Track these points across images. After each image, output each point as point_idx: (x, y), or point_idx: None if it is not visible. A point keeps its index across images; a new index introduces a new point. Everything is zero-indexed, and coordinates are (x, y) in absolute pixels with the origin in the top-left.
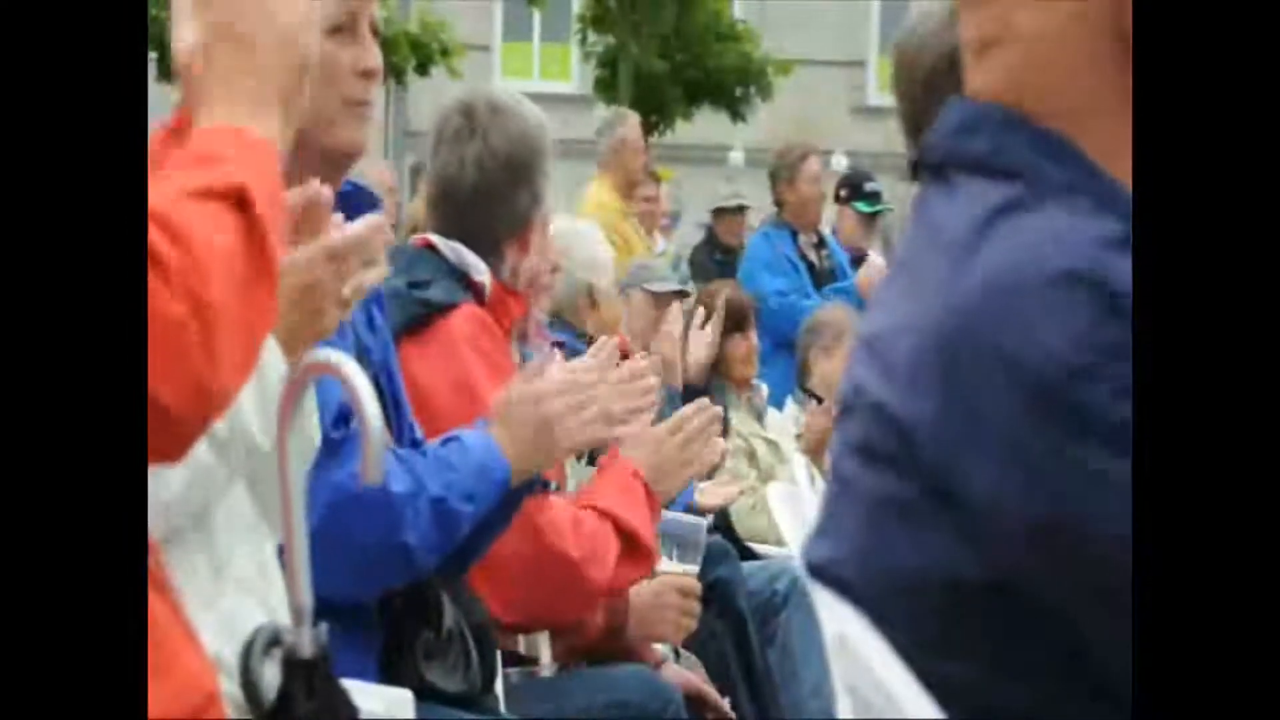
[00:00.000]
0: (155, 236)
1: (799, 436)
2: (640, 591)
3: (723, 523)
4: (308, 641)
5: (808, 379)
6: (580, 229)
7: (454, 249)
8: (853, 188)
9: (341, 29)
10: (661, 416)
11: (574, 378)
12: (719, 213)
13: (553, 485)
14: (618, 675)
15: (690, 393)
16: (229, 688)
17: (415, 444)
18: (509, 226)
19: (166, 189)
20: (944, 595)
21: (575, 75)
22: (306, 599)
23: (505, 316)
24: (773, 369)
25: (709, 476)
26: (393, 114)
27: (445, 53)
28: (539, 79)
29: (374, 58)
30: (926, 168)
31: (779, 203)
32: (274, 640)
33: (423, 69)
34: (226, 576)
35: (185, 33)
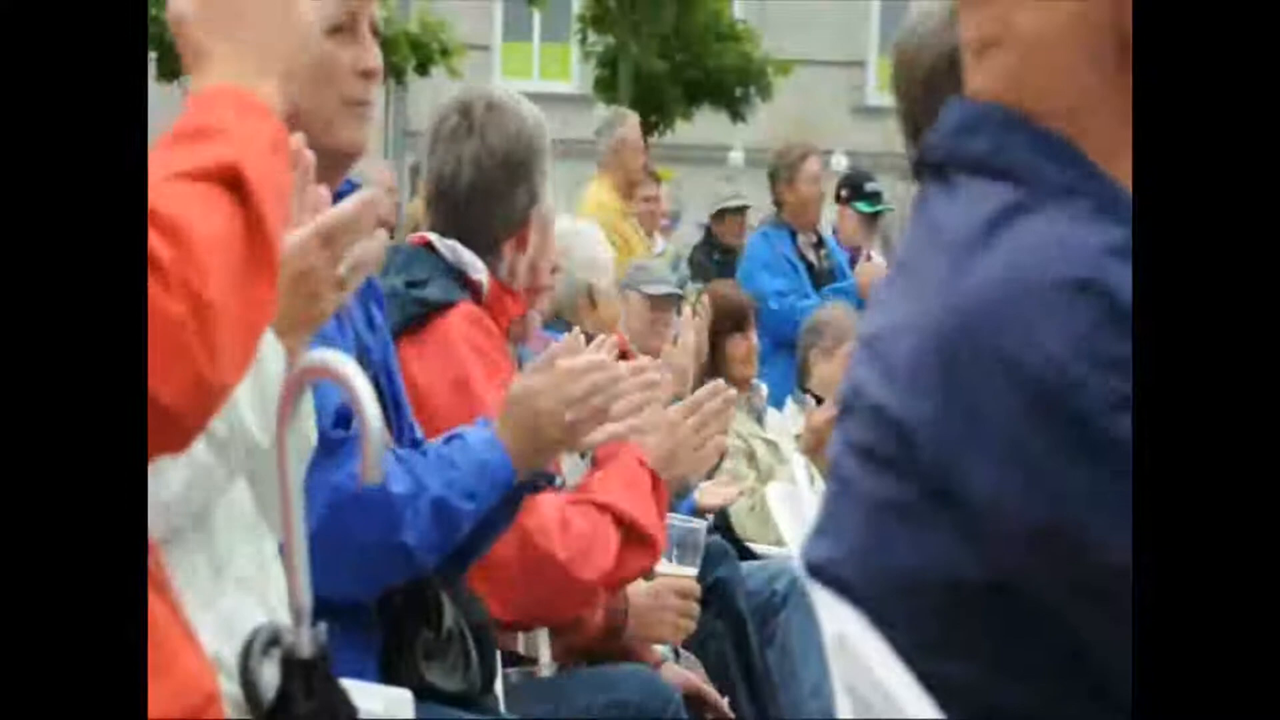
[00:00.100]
0: (151, 235)
1: (798, 437)
2: (639, 592)
3: (722, 523)
4: (307, 641)
5: (807, 379)
6: (580, 229)
7: (451, 248)
8: (853, 188)
9: (341, 29)
10: None
11: (574, 375)
12: (719, 214)
13: (557, 480)
14: (618, 675)
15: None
16: (228, 687)
17: (415, 444)
18: (506, 225)
19: (159, 169)
20: (944, 595)
21: (575, 75)
22: (306, 599)
23: (503, 315)
24: (772, 369)
25: (709, 477)
26: (392, 114)
27: (445, 53)
28: (539, 79)
29: (374, 58)
30: (927, 168)
31: (778, 203)
32: (273, 640)
33: (422, 69)
34: (226, 576)
35: None
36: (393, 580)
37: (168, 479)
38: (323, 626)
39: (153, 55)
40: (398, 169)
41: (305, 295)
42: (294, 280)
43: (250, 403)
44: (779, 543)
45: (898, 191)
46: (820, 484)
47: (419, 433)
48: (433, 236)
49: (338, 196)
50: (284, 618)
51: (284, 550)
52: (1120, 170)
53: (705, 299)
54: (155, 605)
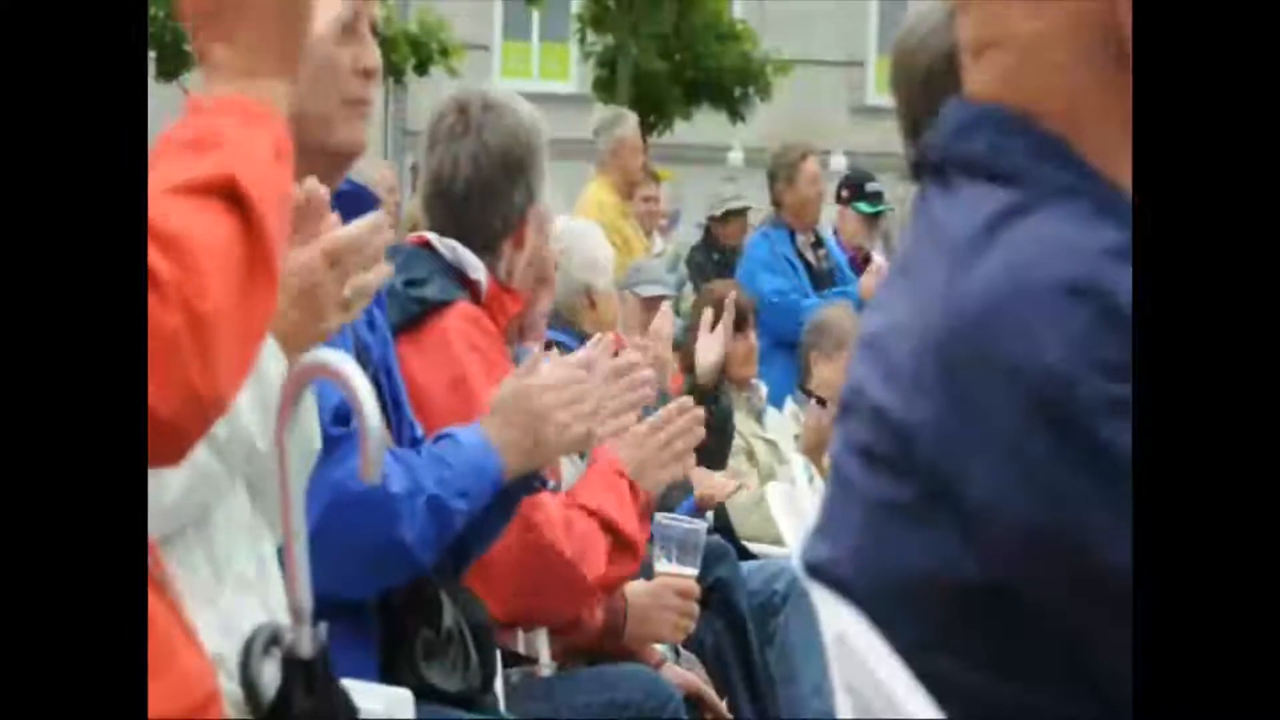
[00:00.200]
0: (149, 248)
1: (798, 437)
2: (639, 592)
3: (722, 523)
4: (307, 641)
5: (808, 379)
6: (581, 229)
7: (450, 247)
8: (854, 188)
9: (342, 28)
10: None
11: (566, 372)
12: (724, 216)
13: (551, 484)
14: (618, 675)
15: (702, 395)
16: (229, 687)
17: (415, 443)
18: (505, 223)
19: (158, 182)
20: (943, 596)
21: (574, 75)
22: (306, 598)
23: (501, 314)
24: (771, 368)
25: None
26: (392, 113)
27: (444, 52)
28: (538, 79)
29: (374, 57)
30: (926, 168)
31: (777, 203)
32: (273, 639)
33: (422, 69)
34: (226, 575)
35: None
36: (392, 579)
37: (168, 483)
38: (323, 626)
39: (153, 55)
40: (397, 169)
41: (310, 313)
42: (300, 297)
43: (250, 406)
44: (779, 542)
45: (898, 192)
46: (820, 484)
47: (419, 431)
48: (432, 236)
49: (338, 196)
50: (284, 617)
51: (284, 550)
52: (1119, 171)
53: (730, 297)
54: (155, 605)
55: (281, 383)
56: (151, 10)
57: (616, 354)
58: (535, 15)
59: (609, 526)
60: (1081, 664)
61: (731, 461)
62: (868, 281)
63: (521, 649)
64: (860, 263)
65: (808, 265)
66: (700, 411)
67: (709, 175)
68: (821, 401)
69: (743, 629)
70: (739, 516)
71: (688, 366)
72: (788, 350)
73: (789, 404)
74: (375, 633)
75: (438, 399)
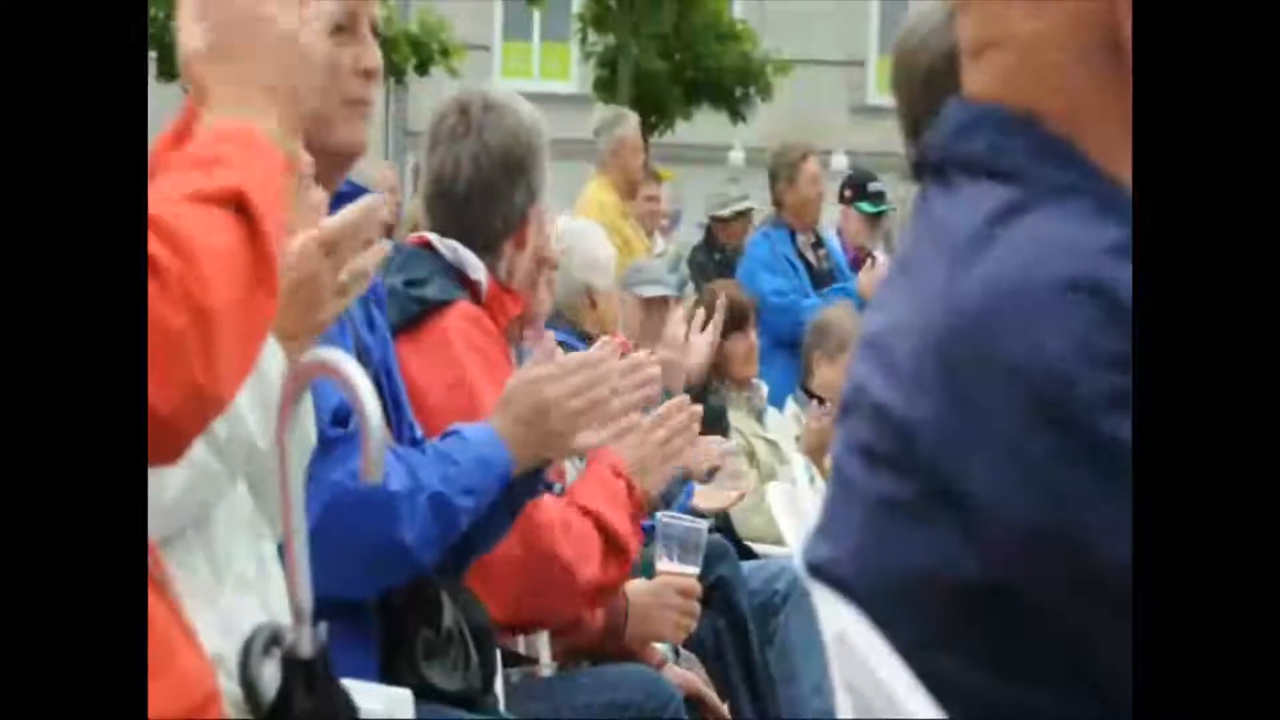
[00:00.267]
0: (155, 245)
1: (799, 437)
2: (640, 591)
3: (723, 523)
4: (307, 641)
5: (810, 379)
6: (583, 229)
7: (450, 247)
8: (856, 188)
9: (341, 29)
10: None
11: (573, 366)
12: (721, 219)
13: (556, 487)
14: (618, 675)
15: (691, 394)
16: (229, 687)
17: (415, 443)
18: (505, 223)
19: (166, 192)
20: (944, 595)
21: (575, 75)
22: (306, 598)
23: (501, 314)
24: (772, 368)
25: (709, 478)
26: (392, 114)
27: (445, 52)
28: (539, 79)
29: (374, 57)
30: (927, 168)
31: (777, 203)
32: (274, 639)
33: (422, 69)
34: (226, 575)
35: (188, 37)
36: (392, 579)
37: (167, 482)
38: (323, 626)
39: (153, 55)
40: (398, 169)
41: (307, 302)
42: (295, 287)
43: (250, 405)
44: (779, 542)
45: (899, 191)
46: (821, 485)
47: (419, 432)
48: (432, 236)
49: (338, 196)
50: (284, 617)
51: (284, 549)
52: (1119, 170)
53: (720, 299)
54: (155, 605)
55: (282, 381)
56: (151, 10)
57: (624, 356)
58: (536, 15)
59: (603, 527)
60: (1081, 664)
61: (732, 462)
62: (865, 278)
63: (521, 649)
64: (863, 262)
65: (808, 265)
66: (698, 409)
67: (710, 175)
68: (823, 402)
69: (743, 628)
70: (741, 517)
71: None
72: (788, 350)
73: (790, 404)
74: (375, 633)
75: (438, 399)
